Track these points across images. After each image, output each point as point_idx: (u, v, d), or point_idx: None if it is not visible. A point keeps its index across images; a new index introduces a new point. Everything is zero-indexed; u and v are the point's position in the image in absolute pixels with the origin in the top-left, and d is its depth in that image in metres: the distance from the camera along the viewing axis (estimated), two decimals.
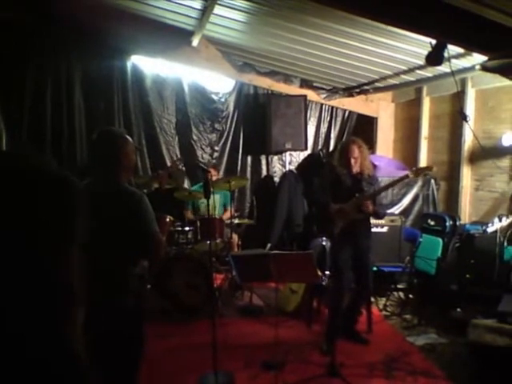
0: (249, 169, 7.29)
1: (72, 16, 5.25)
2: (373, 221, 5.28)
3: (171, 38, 5.85)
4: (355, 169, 4.16)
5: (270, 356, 3.69)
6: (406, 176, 4.16)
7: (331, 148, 7.61)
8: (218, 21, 5.11)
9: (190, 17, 5.21)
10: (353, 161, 4.14)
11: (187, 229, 5.37)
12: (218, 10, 4.72)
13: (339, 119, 7.68)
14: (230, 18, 4.98)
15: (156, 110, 6.58)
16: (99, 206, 2.30)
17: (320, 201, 4.23)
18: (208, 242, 3.97)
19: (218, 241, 5.32)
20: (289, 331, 4.40)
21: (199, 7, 4.83)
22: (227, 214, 5.88)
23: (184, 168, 6.69)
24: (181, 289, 4.75)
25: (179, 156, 6.67)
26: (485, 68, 3.18)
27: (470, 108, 5.77)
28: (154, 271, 4.65)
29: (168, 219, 5.27)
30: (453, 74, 3.68)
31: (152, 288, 4.80)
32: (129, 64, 6.31)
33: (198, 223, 5.28)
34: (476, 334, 3.53)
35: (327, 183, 4.26)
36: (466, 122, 4.33)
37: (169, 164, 6.45)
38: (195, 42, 5.84)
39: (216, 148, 7.04)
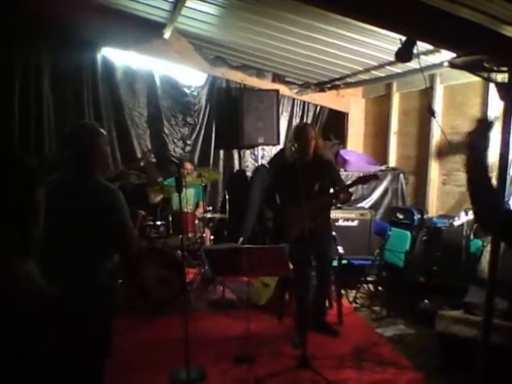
0: (221, 163, 7.27)
1: (41, 7, 5.13)
2: (343, 215, 5.37)
3: (142, 30, 5.76)
4: (310, 152, 4.18)
5: (242, 349, 3.72)
6: (357, 181, 4.18)
7: None
8: (190, 14, 5.06)
9: (162, 9, 5.15)
10: (311, 143, 4.17)
11: (159, 223, 5.34)
12: (190, 2, 4.67)
13: (311, 114, 7.72)
14: (203, 11, 4.94)
15: (127, 102, 6.49)
16: (74, 200, 2.36)
17: (270, 208, 4.25)
18: (180, 237, 3.97)
19: (190, 235, 5.31)
20: (261, 324, 4.43)
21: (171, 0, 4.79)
22: (200, 210, 5.87)
23: (155, 161, 6.63)
24: (152, 283, 4.73)
25: (150, 149, 6.63)
26: (453, 65, 3.24)
27: (439, 104, 5.88)
28: (127, 266, 4.62)
29: (141, 214, 5.24)
30: (421, 70, 3.74)
31: (123, 282, 4.76)
32: (99, 56, 6.19)
33: (170, 217, 5.26)
34: (443, 325, 3.63)
35: (276, 183, 4.31)
36: (434, 117, 4.42)
37: (139, 154, 6.39)
38: (167, 34, 5.77)
39: (188, 142, 7.00)
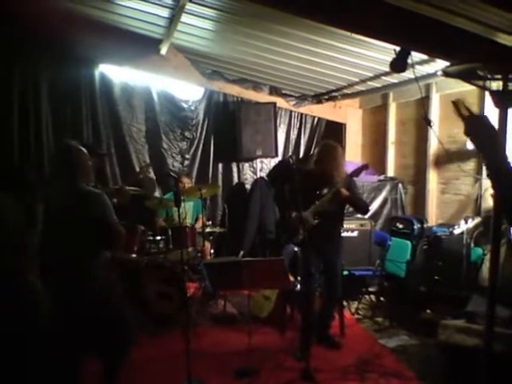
0: (220, 176, 7.28)
1: (38, 25, 5.18)
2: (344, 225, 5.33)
3: (139, 46, 5.81)
4: (331, 172, 4.16)
5: (244, 363, 3.69)
6: (351, 175, 4.18)
7: (301, 154, 7.67)
8: (186, 29, 5.11)
9: (158, 25, 5.19)
10: (334, 163, 4.16)
11: (159, 238, 5.33)
12: (185, 18, 4.72)
13: (308, 126, 7.75)
14: (198, 27, 4.98)
15: (125, 118, 6.51)
16: (64, 204, 2.80)
17: (290, 209, 4.23)
18: (180, 251, 3.97)
19: (190, 249, 5.29)
20: (263, 338, 4.39)
21: (167, 16, 4.82)
22: (200, 223, 5.85)
23: (154, 176, 6.65)
24: (153, 298, 4.70)
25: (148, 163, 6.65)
26: (446, 73, 3.25)
27: (435, 113, 5.91)
28: (125, 276, 4.64)
29: (140, 229, 5.23)
30: (416, 80, 3.77)
31: (123, 297, 4.73)
32: (97, 73, 6.24)
33: (170, 232, 5.25)
34: (446, 335, 3.59)
35: (297, 189, 4.29)
36: (430, 127, 4.43)
37: (137, 170, 6.40)
38: (163, 50, 5.81)
39: (187, 156, 7.02)
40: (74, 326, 2.67)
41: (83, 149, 3.01)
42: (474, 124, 1.95)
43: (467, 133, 1.96)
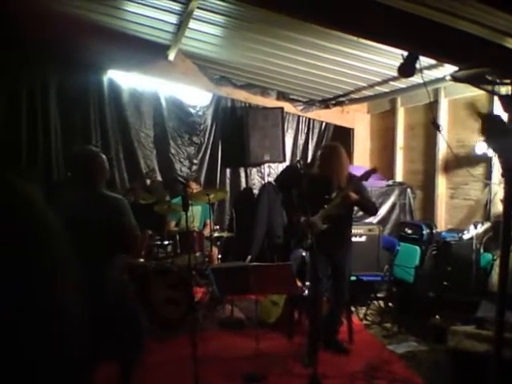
0: (228, 181, 7.30)
1: (47, 31, 5.22)
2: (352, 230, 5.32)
3: (147, 52, 5.85)
4: (334, 173, 4.15)
5: (252, 369, 3.68)
6: (360, 178, 4.17)
7: (309, 159, 7.67)
8: (194, 35, 5.14)
9: (166, 31, 5.22)
10: (336, 163, 4.15)
11: (166, 243, 5.34)
12: (193, 24, 4.75)
13: (316, 131, 7.75)
14: (206, 33, 5.01)
15: (133, 124, 6.56)
16: (85, 209, 2.85)
17: (298, 213, 4.22)
18: (187, 256, 3.97)
19: (198, 254, 5.29)
20: (270, 343, 4.37)
21: (175, 22, 4.85)
22: (208, 229, 5.85)
23: (162, 181, 6.68)
24: (160, 303, 4.70)
25: (156, 169, 6.68)
26: (455, 78, 3.25)
27: (444, 118, 5.88)
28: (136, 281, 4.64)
29: (148, 233, 5.24)
30: (425, 85, 3.77)
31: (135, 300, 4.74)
32: (105, 79, 6.30)
33: (177, 237, 5.26)
34: (455, 341, 3.56)
35: (305, 193, 4.28)
36: (439, 131, 4.41)
37: (144, 176, 6.44)
38: (171, 55, 5.85)
39: (194, 161, 7.05)
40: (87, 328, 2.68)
41: (102, 154, 3.08)
42: (490, 123, 1.95)
43: (483, 132, 1.96)
